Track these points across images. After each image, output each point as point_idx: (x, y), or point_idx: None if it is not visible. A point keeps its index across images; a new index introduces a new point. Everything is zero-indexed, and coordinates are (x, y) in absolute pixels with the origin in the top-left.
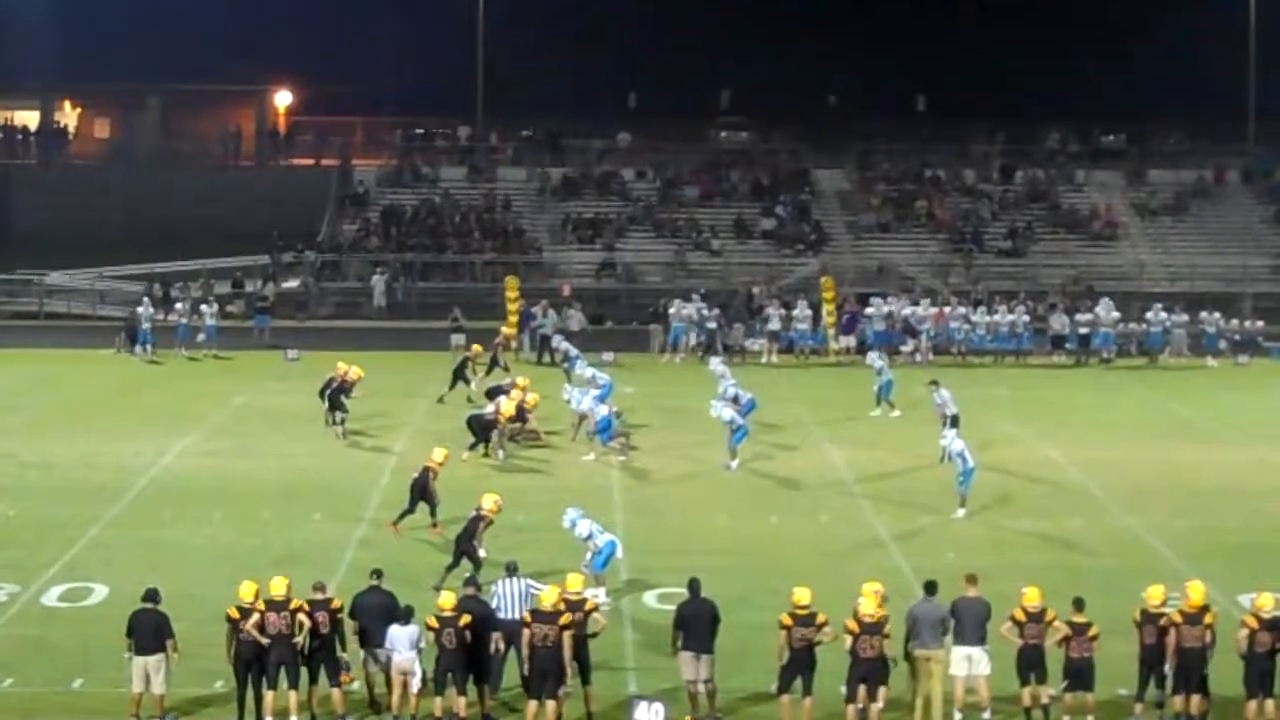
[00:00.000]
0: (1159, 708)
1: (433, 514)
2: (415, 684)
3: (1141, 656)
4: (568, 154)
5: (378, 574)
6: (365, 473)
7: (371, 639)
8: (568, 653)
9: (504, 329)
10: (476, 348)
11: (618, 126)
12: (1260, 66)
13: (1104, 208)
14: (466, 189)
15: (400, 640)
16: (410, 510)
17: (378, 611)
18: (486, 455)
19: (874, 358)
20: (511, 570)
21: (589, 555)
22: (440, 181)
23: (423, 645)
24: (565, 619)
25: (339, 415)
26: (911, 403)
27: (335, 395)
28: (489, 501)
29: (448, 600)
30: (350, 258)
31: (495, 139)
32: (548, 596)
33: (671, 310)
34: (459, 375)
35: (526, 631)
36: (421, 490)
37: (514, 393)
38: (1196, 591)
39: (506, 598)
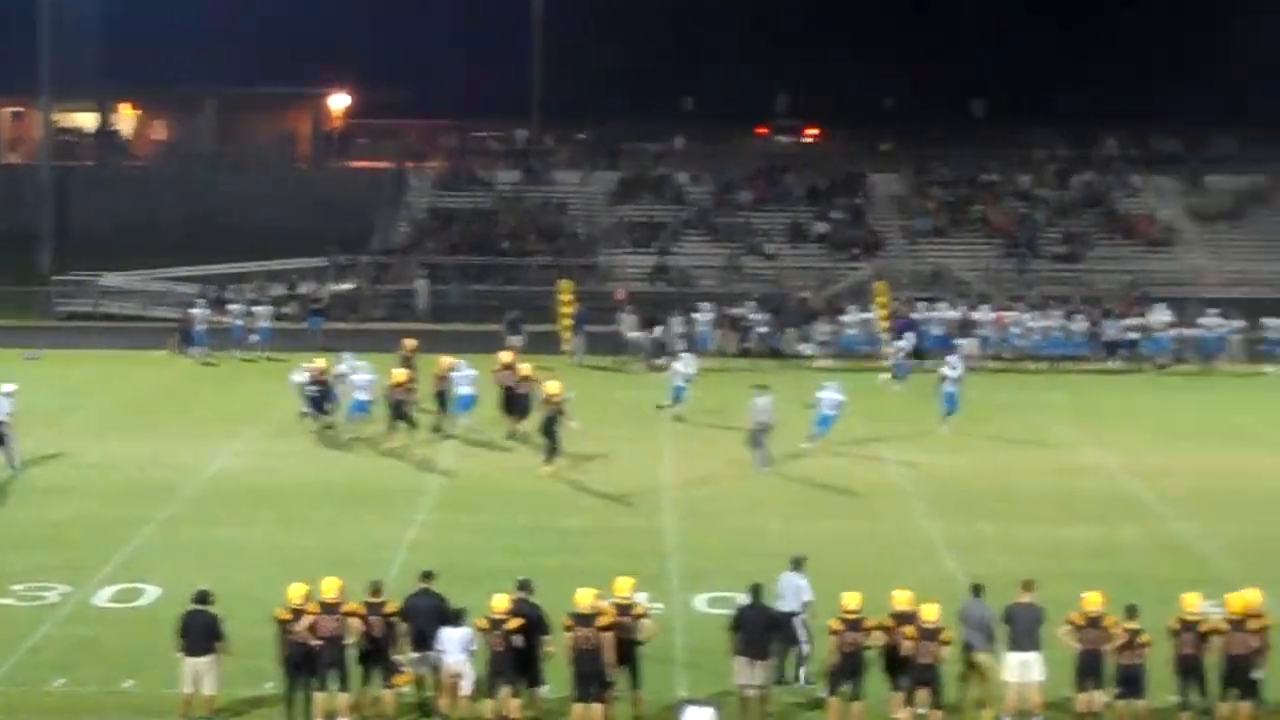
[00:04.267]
0: (1205, 715)
1: None
2: (466, 686)
3: (1178, 664)
4: (623, 157)
5: (428, 576)
6: (417, 475)
7: (423, 641)
8: (608, 655)
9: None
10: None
11: (673, 130)
12: None
13: (1159, 213)
14: (522, 192)
15: (451, 642)
16: None
17: (429, 613)
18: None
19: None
20: (796, 564)
21: None
22: (496, 185)
23: (474, 647)
24: (603, 620)
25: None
26: (962, 405)
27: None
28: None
29: (500, 602)
30: (404, 260)
31: (551, 142)
32: (584, 598)
33: (695, 315)
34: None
35: (568, 635)
36: None
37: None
38: (1237, 600)
39: (786, 590)
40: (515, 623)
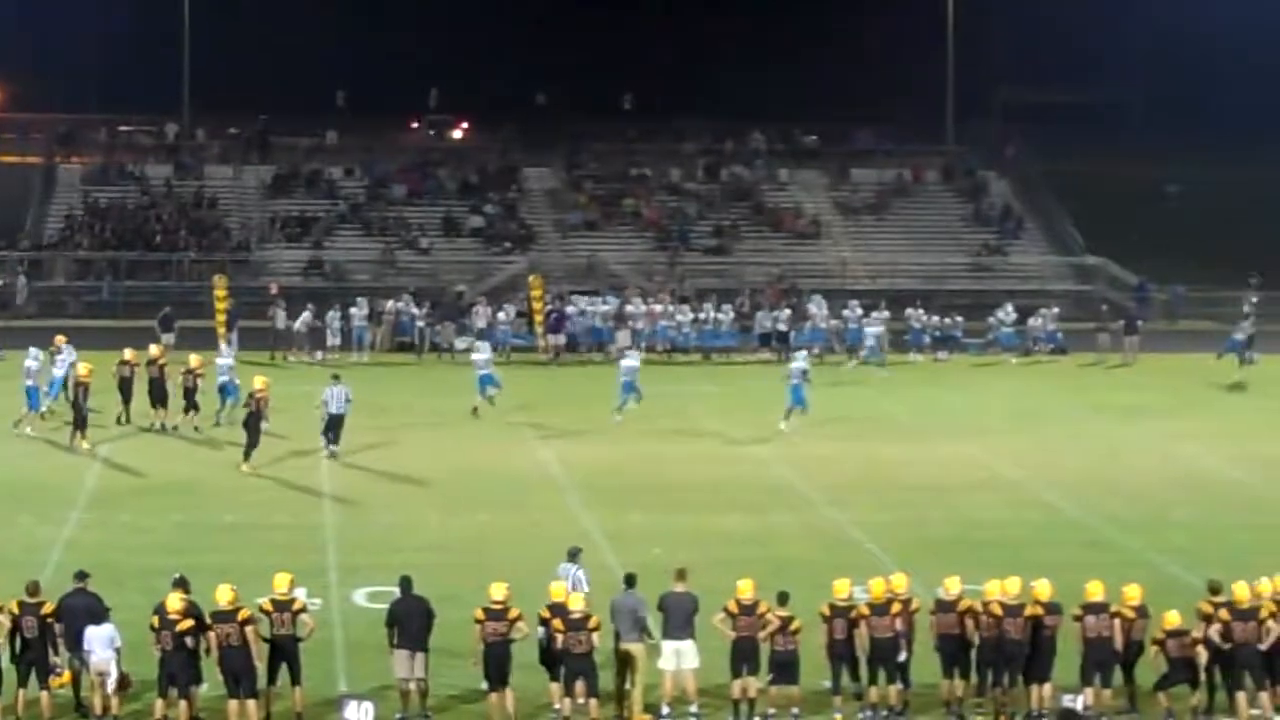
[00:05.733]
0: (858, 699)
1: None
2: (111, 684)
3: (830, 649)
4: (276, 152)
5: (82, 575)
6: (72, 473)
7: (78, 641)
8: (255, 648)
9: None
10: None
11: (326, 124)
12: (958, 66)
13: (806, 206)
14: (173, 186)
15: (97, 640)
16: None
17: (83, 613)
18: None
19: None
20: (572, 555)
21: None
22: (147, 179)
23: (119, 644)
24: (244, 615)
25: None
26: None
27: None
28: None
29: (173, 603)
30: (56, 255)
31: (202, 136)
32: (223, 595)
33: (352, 310)
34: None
35: (210, 634)
36: None
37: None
38: (878, 585)
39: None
40: (186, 624)
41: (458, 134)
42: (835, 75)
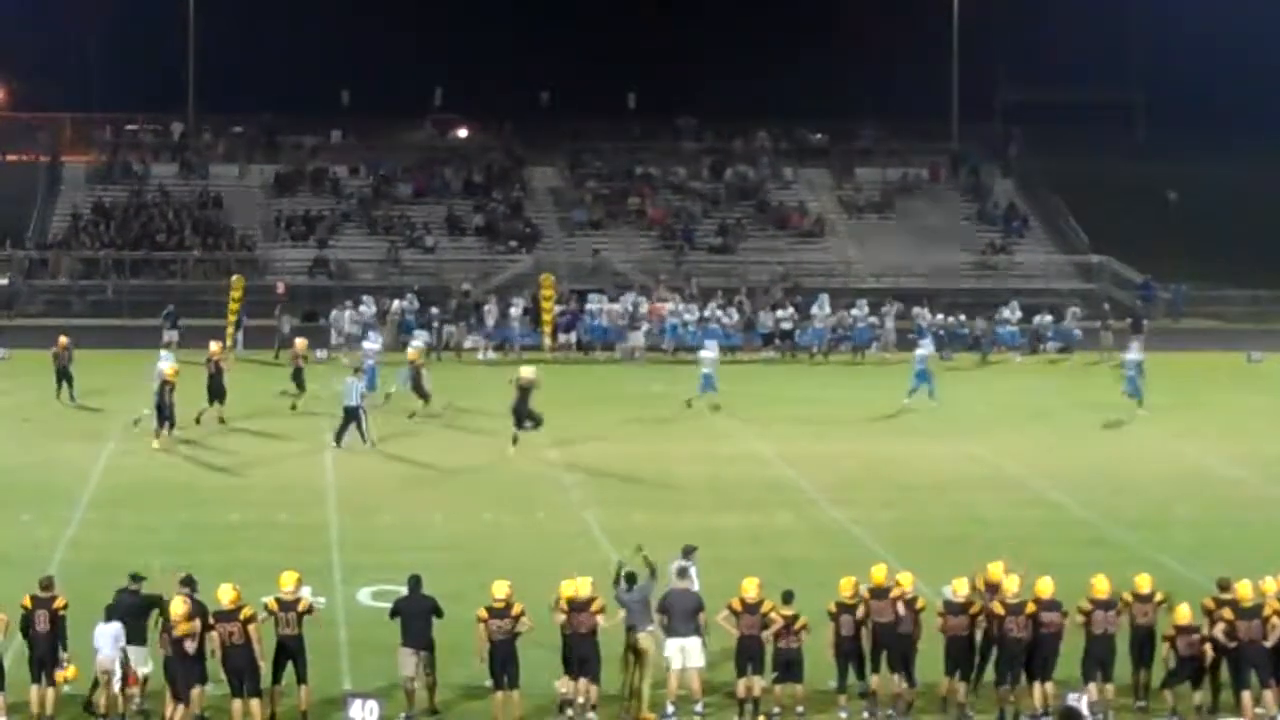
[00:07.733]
0: (863, 697)
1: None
2: (116, 683)
3: (837, 647)
4: (281, 151)
5: (136, 578)
6: (75, 472)
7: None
8: (257, 647)
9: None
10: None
11: (330, 123)
12: (961, 66)
13: (811, 205)
14: (178, 185)
15: (103, 638)
16: None
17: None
18: None
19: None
20: (688, 553)
21: None
22: (152, 178)
23: (123, 643)
24: (246, 613)
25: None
26: (624, 397)
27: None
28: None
29: (176, 604)
30: (60, 254)
31: (207, 135)
32: (224, 594)
33: (361, 308)
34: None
35: (214, 633)
36: None
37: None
38: (879, 570)
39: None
40: (187, 625)
41: (462, 133)
42: (839, 74)
